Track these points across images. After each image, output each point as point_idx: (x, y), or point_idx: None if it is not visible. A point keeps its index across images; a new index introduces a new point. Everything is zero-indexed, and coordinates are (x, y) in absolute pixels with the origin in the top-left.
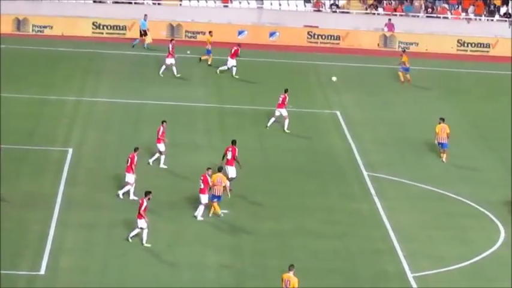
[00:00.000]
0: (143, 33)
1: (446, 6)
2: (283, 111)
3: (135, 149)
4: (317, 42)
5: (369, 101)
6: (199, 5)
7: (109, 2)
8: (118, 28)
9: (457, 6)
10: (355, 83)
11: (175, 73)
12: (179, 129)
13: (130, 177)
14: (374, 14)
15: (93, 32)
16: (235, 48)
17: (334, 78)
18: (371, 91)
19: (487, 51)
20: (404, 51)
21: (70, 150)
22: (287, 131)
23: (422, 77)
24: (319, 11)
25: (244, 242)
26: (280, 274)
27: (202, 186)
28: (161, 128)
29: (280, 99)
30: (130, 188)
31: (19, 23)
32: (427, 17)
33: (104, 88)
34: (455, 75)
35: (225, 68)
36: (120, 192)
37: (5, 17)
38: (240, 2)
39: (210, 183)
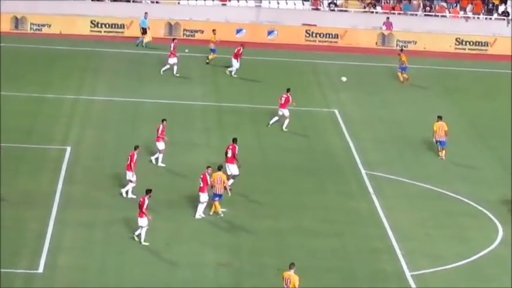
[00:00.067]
0: (143, 32)
1: (444, 4)
2: (285, 112)
3: (135, 147)
4: (315, 41)
5: (367, 99)
6: (197, 3)
7: (107, 1)
8: (116, 26)
9: (455, 4)
10: (353, 81)
11: (174, 72)
12: (177, 127)
13: (130, 175)
14: (372, 12)
15: (91, 31)
16: (238, 48)
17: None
18: (369, 90)
19: (485, 50)
20: (402, 50)
21: (68, 149)
22: (285, 129)
23: (421, 76)
24: (317, 9)
25: (242, 240)
26: (278, 272)
27: (201, 185)
28: (161, 127)
29: (283, 99)
30: (131, 186)
31: (17, 22)
32: (425, 15)
33: (102, 86)
34: (454, 74)
35: (233, 69)
36: (123, 191)
37: (3, 16)
38: (238, 1)
39: (210, 182)
